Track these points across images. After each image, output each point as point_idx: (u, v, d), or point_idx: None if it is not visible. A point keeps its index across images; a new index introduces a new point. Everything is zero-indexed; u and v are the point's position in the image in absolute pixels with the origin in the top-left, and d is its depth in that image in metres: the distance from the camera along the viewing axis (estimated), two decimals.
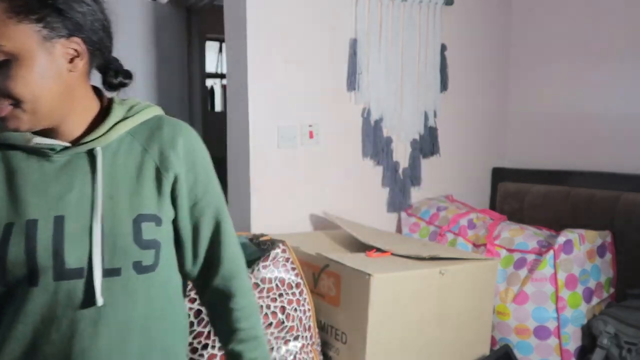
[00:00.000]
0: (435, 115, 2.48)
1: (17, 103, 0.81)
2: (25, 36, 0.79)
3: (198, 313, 1.46)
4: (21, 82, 0.80)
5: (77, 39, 0.84)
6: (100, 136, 0.88)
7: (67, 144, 0.88)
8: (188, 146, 0.94)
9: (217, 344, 1.50)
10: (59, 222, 0.84)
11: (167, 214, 0.92)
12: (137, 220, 0.87)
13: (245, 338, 0.99)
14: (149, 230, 0.88)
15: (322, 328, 1.73)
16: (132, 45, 2.63)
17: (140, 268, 0.88)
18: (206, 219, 0.96)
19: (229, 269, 0.99)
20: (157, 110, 0.97)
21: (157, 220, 0.90)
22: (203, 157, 0.97)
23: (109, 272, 0.86)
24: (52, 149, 0.87)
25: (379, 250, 1.78)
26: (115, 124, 0.90)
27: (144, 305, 0.90)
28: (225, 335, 1.01)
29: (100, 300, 0.84)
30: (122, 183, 0.89)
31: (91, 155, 0.88)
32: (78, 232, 0.85)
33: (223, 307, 1.00)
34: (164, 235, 0.92)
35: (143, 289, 0.89)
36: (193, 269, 0.99)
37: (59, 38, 0.82)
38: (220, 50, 5.40)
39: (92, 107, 0.92)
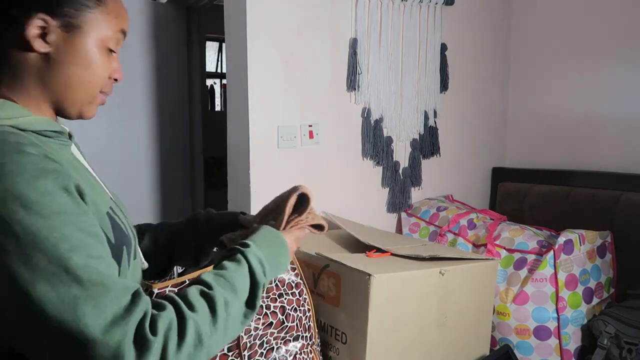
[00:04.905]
0: (435, 115, 2.48)
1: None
2: None
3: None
4: None
5: None
6: None
7: None
8: None
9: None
10: (112, 198, 0.90)
11: None
12: None
13: None
14: None
15: (322, 328, 1.73)
16: (132, 45, 2.63)
17: None
18: None
19: None
20: None
21: None
22: None
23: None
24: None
25: (379, 250, 1.77)
26: None
27: None
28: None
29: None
30: None
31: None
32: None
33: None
34: None
35: None
36: None
37: None
38: (220, 50, 5.39)
39: None
